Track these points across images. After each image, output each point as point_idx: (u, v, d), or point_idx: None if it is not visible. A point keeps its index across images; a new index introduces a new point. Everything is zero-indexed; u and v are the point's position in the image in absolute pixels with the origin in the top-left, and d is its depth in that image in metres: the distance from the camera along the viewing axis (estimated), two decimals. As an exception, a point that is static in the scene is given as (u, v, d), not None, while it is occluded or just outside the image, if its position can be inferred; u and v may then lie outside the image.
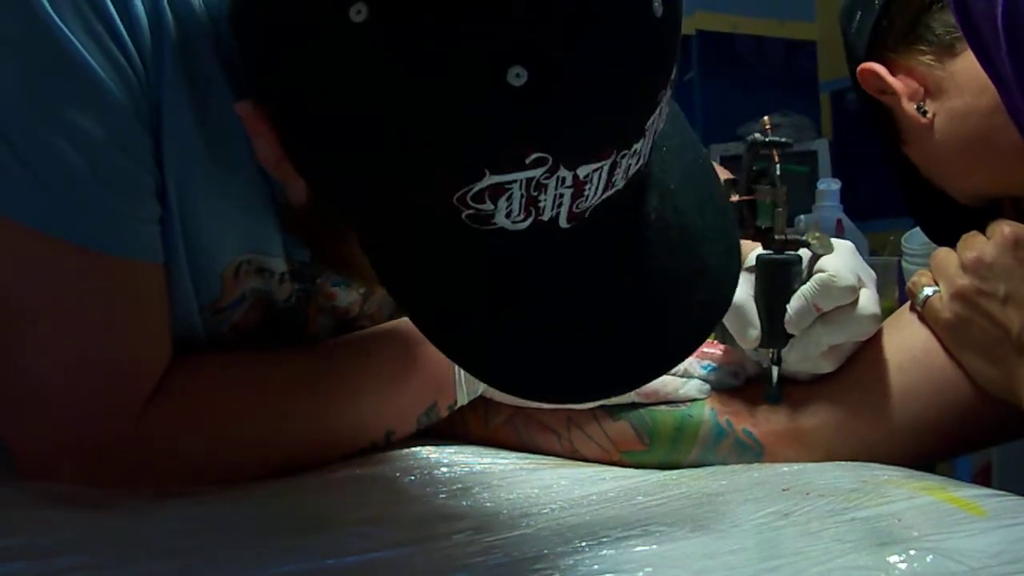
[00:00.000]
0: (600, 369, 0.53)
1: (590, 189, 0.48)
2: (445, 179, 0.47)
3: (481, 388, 0.74)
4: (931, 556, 0.50)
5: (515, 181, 0.47)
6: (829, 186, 1.71)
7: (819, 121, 3.16)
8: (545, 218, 0.48)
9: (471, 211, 0.48)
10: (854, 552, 0.52)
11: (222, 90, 0.61)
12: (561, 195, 0.48)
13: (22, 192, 0.58)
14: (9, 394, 0.63)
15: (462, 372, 0.72)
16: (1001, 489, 0.62)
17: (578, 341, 0.53)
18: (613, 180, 0.49)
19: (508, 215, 0.48)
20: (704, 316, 0.56)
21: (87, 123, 0.57)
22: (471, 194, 0.47)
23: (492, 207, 0.47)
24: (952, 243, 0.75)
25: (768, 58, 3.34)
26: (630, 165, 0.50)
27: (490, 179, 0.46)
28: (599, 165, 0.48)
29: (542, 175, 0.47)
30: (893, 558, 0.50)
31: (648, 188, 0.54)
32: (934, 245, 1.05)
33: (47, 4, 0.56)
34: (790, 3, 3.30)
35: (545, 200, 0.48)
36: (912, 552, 0.51)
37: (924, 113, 0.80)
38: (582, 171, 0.47)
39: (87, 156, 0.58)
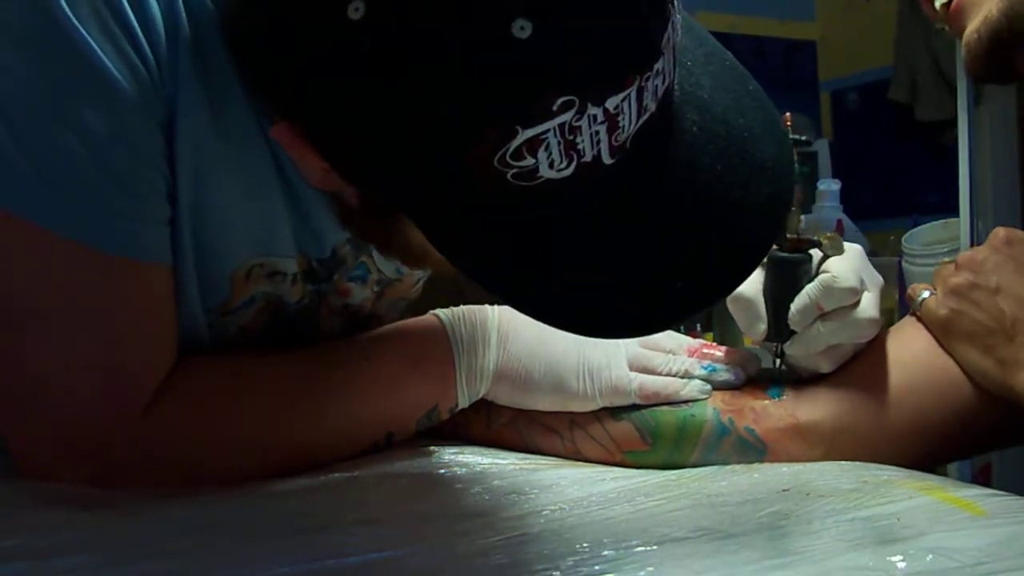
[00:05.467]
0: (689, 288, 0.53)
1: (624, 119, 0.49)
2: (481, 146, 0.48)
3: (482, 390, 0.74)
4: (931, 555, 0.50)
5: (548, 130, 0.47)
6: (829, 186, 1.71)
7: (819, 121, 3.16)
8: (588, 159, 0.49)
9: (515, 170, 0.48)
10: (855, 551, 0.52)
11: (236, 90, 0.61)
12: (596, 132, 0.48)
13: (29, 189, 0.58)
14: (10, 393, 0.63)
15: (463, 375, 0.72)
16: (1000, 489, 0.62)
17: (658, 265, 0.53)
18: (644, 105, 0.49)
19: (551, 165, 0.48)
20: (773, 210, 0.55)
21: (98, 123, 0.57)
22: (509, 153, 0.47)
23: (533, 160, 0.48)
24: None
25: (768, 58, 3.34)
26: (657, 86, 0.50)
27: (524, 135, 0.47)
28: (626, 94, 0.48)
29: (573, 118, 0.47)
30: (893, 557, 0.50)
31: (683, 104, 0.54)
32: (935, 246, 1.05)
33: (64, 5, 0.56)
34: (790, 3, 3.30)
35: (582, 141, 0.48)
36: (912, 551, 0.51)
37: None
38: (611, 103, 0.48)
39: (97, 155, 0.58)
